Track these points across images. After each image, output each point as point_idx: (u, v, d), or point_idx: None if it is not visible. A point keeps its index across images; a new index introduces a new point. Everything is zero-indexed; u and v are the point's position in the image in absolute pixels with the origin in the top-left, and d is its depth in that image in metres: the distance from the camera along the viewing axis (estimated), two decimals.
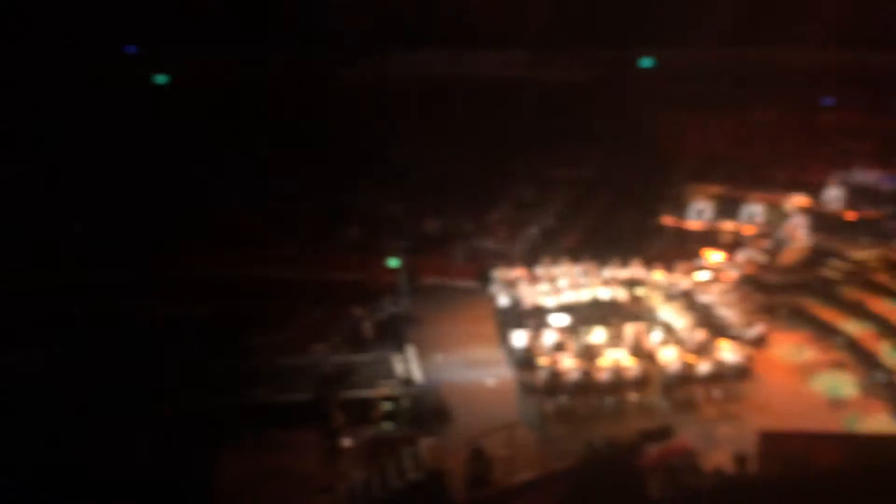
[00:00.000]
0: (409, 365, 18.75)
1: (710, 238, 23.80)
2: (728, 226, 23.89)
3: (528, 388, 17.53)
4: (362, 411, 16.69)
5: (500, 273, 22.17)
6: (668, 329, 18.94)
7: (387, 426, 16.66)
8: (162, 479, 14.89)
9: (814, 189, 24.12)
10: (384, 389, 17.29)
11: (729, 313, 19.55)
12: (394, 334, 20.38)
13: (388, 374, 18.26)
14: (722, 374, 17.13)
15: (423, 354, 19.46)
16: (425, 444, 15.56)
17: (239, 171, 29.51)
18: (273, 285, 24.33)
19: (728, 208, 24.56)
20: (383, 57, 33.92)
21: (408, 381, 17.83)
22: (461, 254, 25.97)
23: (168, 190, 27.61)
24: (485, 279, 23.39)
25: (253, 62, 32.83)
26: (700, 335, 18.12)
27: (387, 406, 16.90)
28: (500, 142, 31.89)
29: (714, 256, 22.41)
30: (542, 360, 17.48)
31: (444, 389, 17.78)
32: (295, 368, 18.84)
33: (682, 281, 21.19)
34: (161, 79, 31.83)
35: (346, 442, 16.23)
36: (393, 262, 22.90)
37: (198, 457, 15.53)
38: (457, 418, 16.59)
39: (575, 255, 23.11)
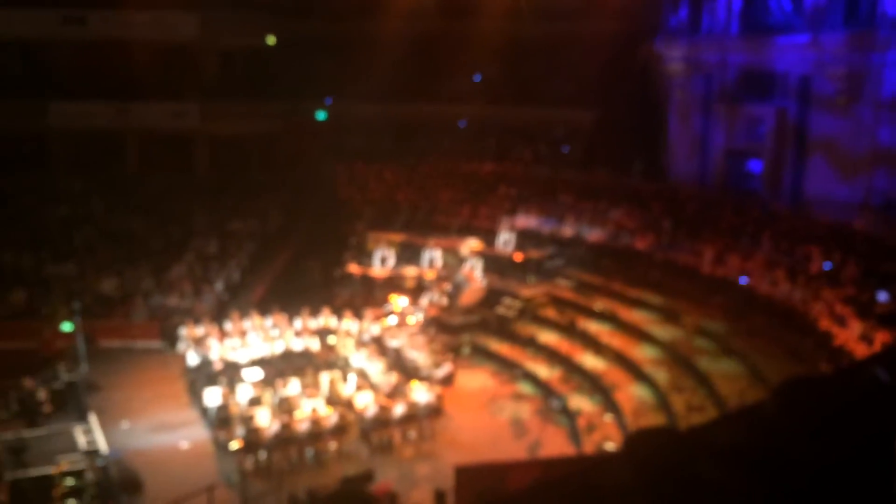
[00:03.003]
0: (93, 435, 17.34)
1: (394, 284, 24.63)
2: (411, 271, 24.88)
3: (224, 447, 16.96)
4: (42, 491, 15.14)
5: (188, 330, 21.35)
6: (362, 375, 19.31)
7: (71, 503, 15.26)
8: None
9: (484, 234, 25.94)
10: (65, 464, 15.82)
11: (418, 355, 20.34)
12: (73, 404, 18.81)
13: (70, 446, 16.69)
14: (416, 415, 17.73)
15: (108, 422, 18.12)
16: None
17: None
18: None
19: (409, 255, 25.64)
20: (42, 107, 31.80)
21: (92, 453, 16.43)
22: (142, 313, 24.65)
23: None
24: (170, 338, 22.43)
25: None
26: (393, 378, 18.65)
27: (70, 482, 15.43)
28: (177, 195, 30.98)
29: (400, 301, 23.21)
30: (238, 417, 17.04)
31: (133, 457, 16.72)
32: None
33: (371, 327, 21.72)
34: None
35: None
36: (66, 326, 21.17)
37: None
38: (150, 486, 15.69)
39: (263, 308, 22.87)
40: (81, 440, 17.09)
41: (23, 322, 23.48)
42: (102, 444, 17.00)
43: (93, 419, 18.05)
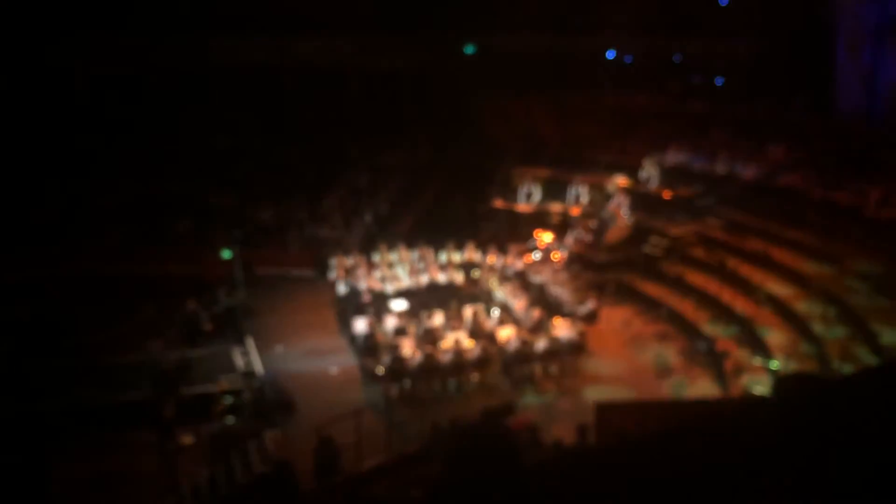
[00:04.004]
0: (250, 357, 18.37)
1: (539, 220, 24.53)
2: (556, 207, 24.70)
3: (371, 374, 17.55)
4: (203, 407, 16.21)
5: (338, 261, 22.05)
6: (505, 309, 19.46)
7: (230, 420, 16.24)
8: None
9: (632, 170, 25.34)
10: (225, 383, 16.87)
11: (561, 291, 20.29)
12: (232, 327, 19.93)
13: (229, 367, 17.82)
14: (558, 351, 17.77)
15: (264, 346, 19.15)
16: (270, 435, 15.36)
17: (52, 163, 27.97)
18: (99, 282, 23.16)
19: (555, 190, 25.40)
20: (204, 43, 32.99)
21: (249, 374, 17.46)
22: (296, 242, 25.63)
23: None
24: (322, 267, 23.22)
25: (62, 45, 31.13)
26: (535, 314, 18.70)
27: (228, 400, 16.48)
28: (329, 129, 31.70)
29: (545, 237, 23.12)
30: (384, 346, 17.57)
31: (286, 380, 17.56)
32: (128, 366, 18.08)
33: (515, 262, 21.79)
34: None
35: (187, 439, 15.70)
36: (226, 254, 22.26)
37: (28, 463, 14.62)
38: (301, 408, 16.46)
39: (410, 240, 23.30)
40: (239, 361, 18.17)
41: (187, 248, 24.90)
42: (258, 366, 18.00)
43: (249, 342, 19.10)
